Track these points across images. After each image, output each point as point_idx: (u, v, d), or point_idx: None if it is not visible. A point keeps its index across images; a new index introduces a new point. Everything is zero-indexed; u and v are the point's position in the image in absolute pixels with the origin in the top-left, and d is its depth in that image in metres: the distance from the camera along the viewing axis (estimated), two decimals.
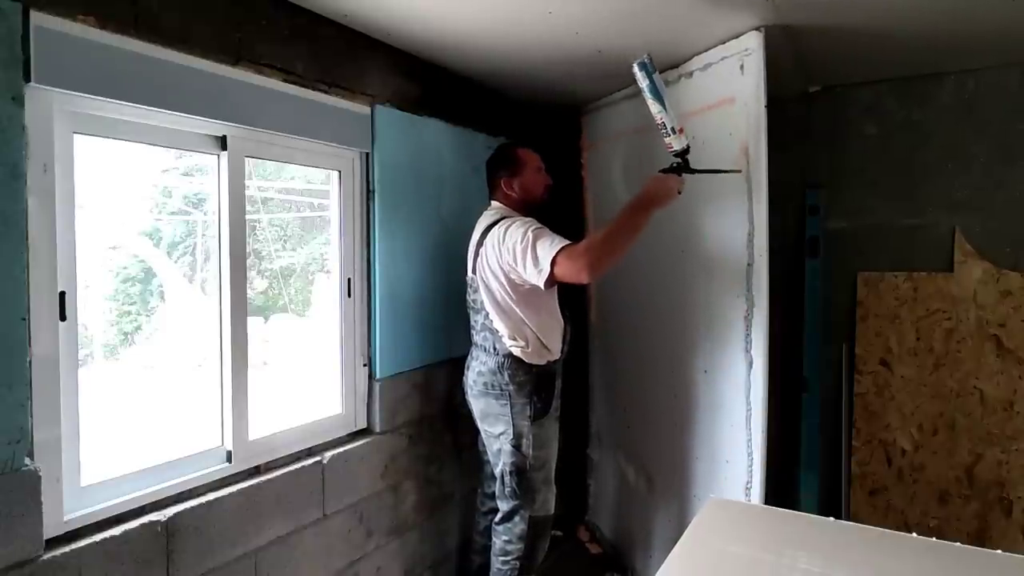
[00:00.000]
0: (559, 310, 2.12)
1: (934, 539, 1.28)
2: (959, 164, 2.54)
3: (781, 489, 2.60)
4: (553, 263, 1.81)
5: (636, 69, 1.77)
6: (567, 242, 1.85)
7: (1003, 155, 2.47)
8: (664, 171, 1.90)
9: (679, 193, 1.90)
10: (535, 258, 1.85)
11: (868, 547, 1.27)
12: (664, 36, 2.03)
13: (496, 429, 2.09)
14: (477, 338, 2.14)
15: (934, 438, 2.58)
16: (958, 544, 1.26)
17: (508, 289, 1.99)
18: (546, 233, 1.90)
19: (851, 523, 1.43)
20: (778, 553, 1.22)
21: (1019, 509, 2.43)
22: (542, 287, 1.88)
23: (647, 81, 1.78)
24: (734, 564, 1.20)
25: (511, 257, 1.91)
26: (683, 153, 1.88)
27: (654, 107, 1.82)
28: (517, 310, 2.01)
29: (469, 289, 2.14)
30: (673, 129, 1.84)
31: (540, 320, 2.05)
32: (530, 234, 1.88)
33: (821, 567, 1.16)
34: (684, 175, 1.90)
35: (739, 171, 1.96)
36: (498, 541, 2.13)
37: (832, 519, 1.39)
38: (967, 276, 2.51)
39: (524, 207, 2.13)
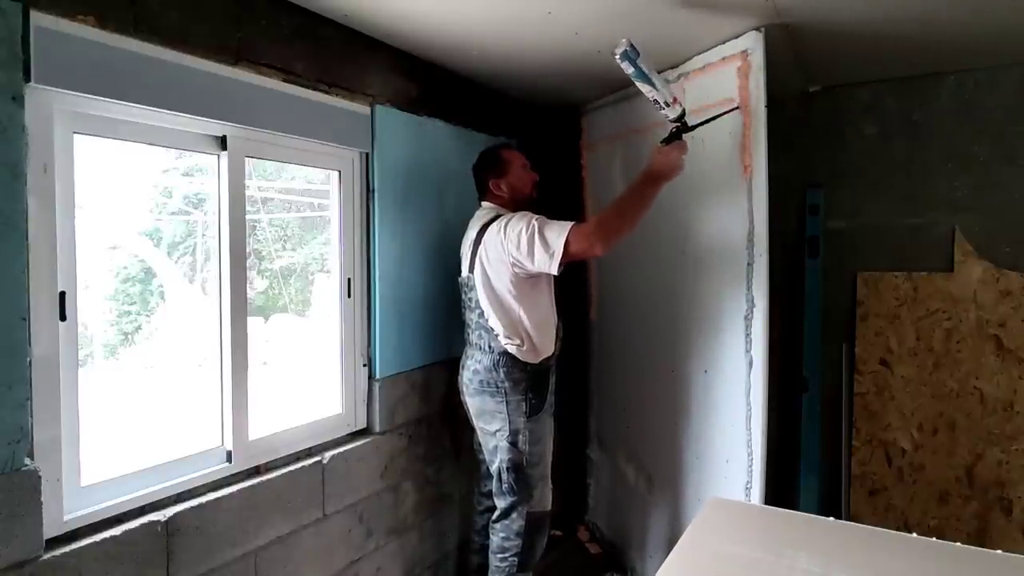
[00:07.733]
0: (554, 307, 2.17)
1: (934, 539, 1.28)
2: (959, 164, 2.54)
3: (781, 489, 2.60)
4: (566, 243, 1.88)
5: (619, 60, 1.76)
6: (572, 223, 1.93)
7: (1003, 155, 2.46)
8: (665, 141, 1.93)
9: (684, 156, 1.92)
10: (544, 243, 1.91)
11: (868, 547, 1.27)
12: (664, 36, 2.03)
13: (492, 426, 2.10)
14: (472, 337, 2.16)
15: (934, 438, 2.58)
16: (958, 544, 1.26)
17: (510, 283, 2.02)
18: (549, 220, 1.98)
19: (851, 523, 1.43)
20: (778, 553, 1.22)
21: (1019, 509, 2.43)
22: (554, 272, 1.94)
23: (632, 68, 1.77)
24: (734, 564, 1.20)
25: (516, 249, 1.95)
26: (680, 118, 1.91)
27: (644, 88, 1.84)
28: (515, 305, 2.04)
29: (464, 288, 2.15)
30: (667, 103, 1.86)
31: (536, 317, 2.07)
32: (535, 222, 1.95)
33: (821, 567, 1.16)
34: (684, 137, 1.92)
35: (736, 107, 1.99)
36: (496, 538, 2.14)
37: (832, 519, 1.39)
38: (967, 276, 2.51)
39: (514, 205, 2.16)
